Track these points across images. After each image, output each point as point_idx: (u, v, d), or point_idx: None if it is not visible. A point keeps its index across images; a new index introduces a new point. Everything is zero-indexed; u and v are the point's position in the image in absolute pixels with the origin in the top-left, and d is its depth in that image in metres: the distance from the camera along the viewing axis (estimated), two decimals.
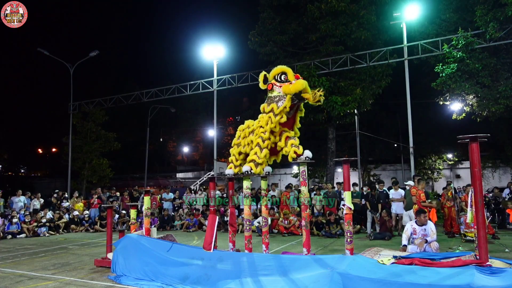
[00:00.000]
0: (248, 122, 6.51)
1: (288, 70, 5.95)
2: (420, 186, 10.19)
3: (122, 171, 36.55)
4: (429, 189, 24.95)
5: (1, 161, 45.27)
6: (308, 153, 5.75)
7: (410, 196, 10.54)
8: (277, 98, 5.91)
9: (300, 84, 5.67)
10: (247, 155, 6.29)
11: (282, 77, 5.93)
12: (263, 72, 6.27)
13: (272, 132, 5.98)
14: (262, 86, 6.21)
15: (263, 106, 6.15)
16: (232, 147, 6.68)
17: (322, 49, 16.85)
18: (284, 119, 5.87)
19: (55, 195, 16.98)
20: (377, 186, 12.53)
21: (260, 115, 6.20)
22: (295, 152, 5.76)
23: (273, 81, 6.05)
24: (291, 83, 5.78)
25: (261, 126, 6.05)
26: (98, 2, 60.75)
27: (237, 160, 6.54)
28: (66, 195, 18.08)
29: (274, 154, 6.32)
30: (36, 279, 6.66)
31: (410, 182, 11.43)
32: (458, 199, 11.46)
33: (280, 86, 5.89)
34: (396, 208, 11.41)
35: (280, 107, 5.80)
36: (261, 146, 5.94)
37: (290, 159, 5.97)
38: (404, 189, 11.43)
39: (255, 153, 5.98)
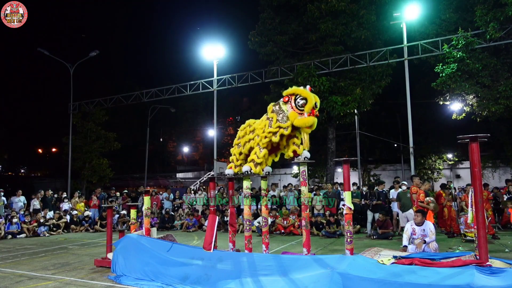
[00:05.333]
0: (249, 121, 6.50)
1: (310, 100, 5.49)
2: (423, 187, 10.19)
3: (122, 171, 36.52)
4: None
5: (1, 161, 45.26)
6: (306, 154, 5.78)
7: (406, 197, 10.55)
8: (282, 114, 5.74)
9: (305, 123, 5.46)
10: (247, 155, 6.28)
11: (301, 102, 5.50)
12: (296, 89, 5.74)
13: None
14: (285, 92, 5.84)
15: (270, 106, 6.01)
16: (233, 146, 6.68)
17: (322, 49, 16.84)
18: (277, 139, 5.77)
19: (55, 195, 16.94)
20: (376, 186, 12.52)
21: (264, 115, 6.09)
22: (294, 151, 5.75)
23: (292, 98, 5.65)
24: (302, 114, 5.50)
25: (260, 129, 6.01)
26: (98, 2, 60.79)
27: (237, 160, 6.54)
28: (64, 195, 17.93)
29: (273, 152, 6.30)
30: (36, 279, 6.66)
31: (404, 182, 11.48)
32: (458, 199, 11.46)
33: (292, 108, 5.60)
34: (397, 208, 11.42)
35: (277, 124, 5.68)
36: (261, 145, 5.94)
37: (287, 156, 5.96)
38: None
39: (255, 153, 5.98)
